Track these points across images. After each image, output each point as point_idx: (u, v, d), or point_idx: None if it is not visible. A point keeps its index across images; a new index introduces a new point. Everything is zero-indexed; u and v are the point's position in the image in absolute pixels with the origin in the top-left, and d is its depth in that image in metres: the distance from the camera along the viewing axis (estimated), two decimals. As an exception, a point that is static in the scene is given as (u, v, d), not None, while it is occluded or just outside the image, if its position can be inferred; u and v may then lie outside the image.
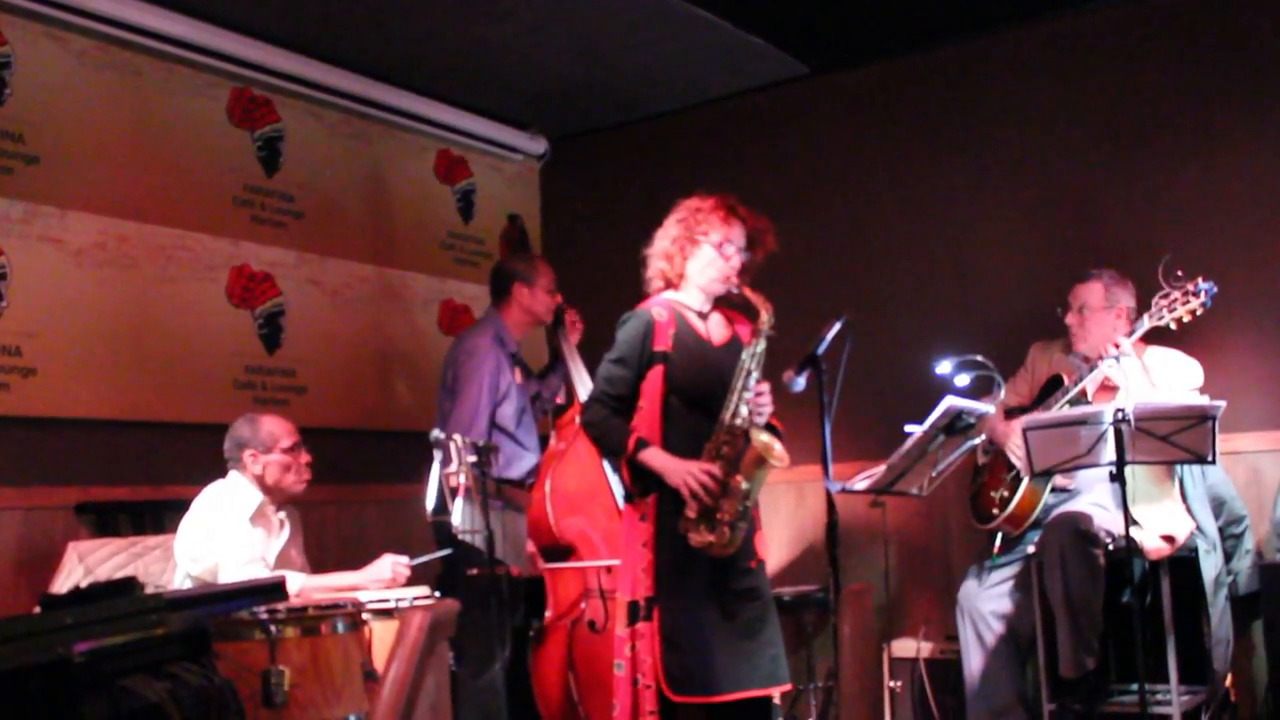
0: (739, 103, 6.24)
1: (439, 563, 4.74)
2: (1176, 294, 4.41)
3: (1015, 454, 4.55)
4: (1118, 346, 4.47)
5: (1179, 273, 4.41)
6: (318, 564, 4.57)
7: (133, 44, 4.92)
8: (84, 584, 3.59)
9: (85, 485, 4.62)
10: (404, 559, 4.29)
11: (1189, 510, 4.59)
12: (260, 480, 4.28)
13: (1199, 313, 4.39)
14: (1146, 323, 4.47)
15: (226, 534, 4.12)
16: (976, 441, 4.46)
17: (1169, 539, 4.41)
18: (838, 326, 3.87)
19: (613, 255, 5.00)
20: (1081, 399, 4.58)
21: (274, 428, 4.33)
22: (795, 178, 6.01)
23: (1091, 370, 4.54)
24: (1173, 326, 4.43)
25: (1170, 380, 4.58)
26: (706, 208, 3.81)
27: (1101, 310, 4.65)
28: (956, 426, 4.19)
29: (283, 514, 4.39)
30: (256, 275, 5.32)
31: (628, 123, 6.55)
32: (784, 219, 3.92)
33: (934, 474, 4.39)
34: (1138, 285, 4.67)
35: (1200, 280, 4.39)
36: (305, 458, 4.38)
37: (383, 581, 4.24)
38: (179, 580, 4.17)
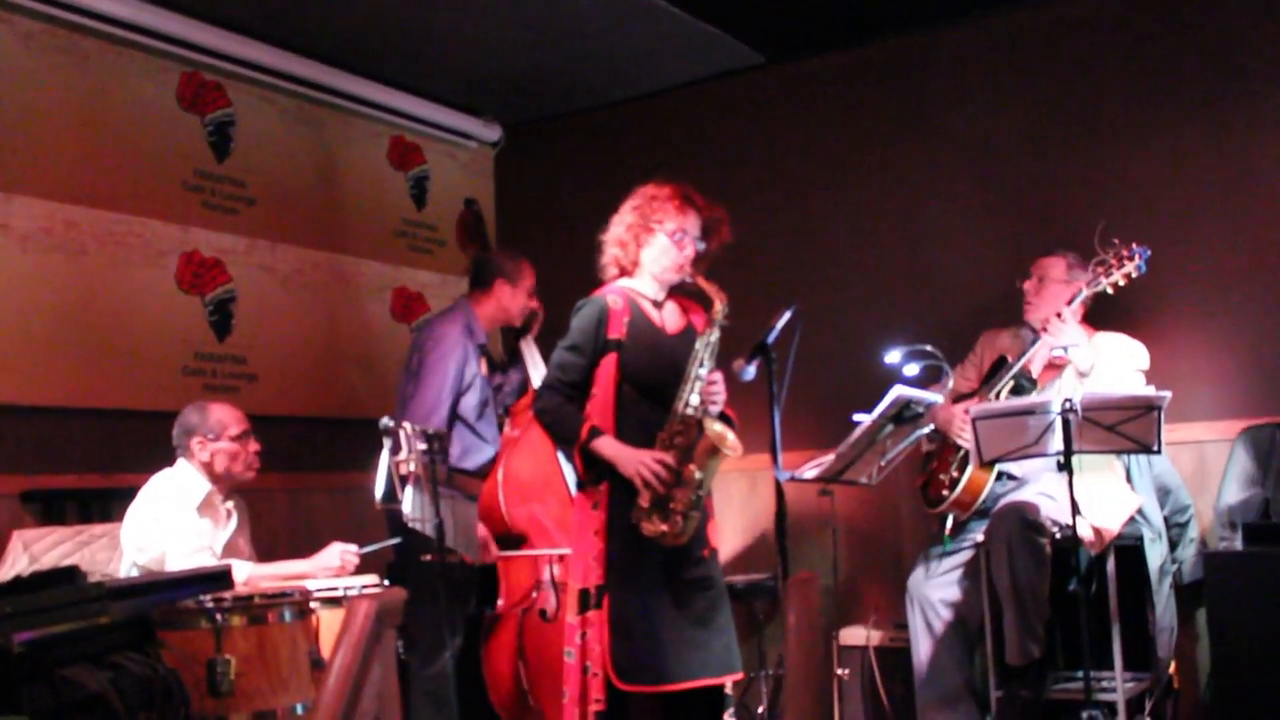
0: (695, 91, 6.24)
1: (389, 550, 4.73)
2: (1111, 259, 4.48)
3: (962, 439, 4.59)
4: (1059, 316, 4.53)
5: (1114, 240, 4.47)
6: (268, 552, 4.55)
7: (81, 26, 4.87)
8: (28, 573, 3.55)
9: (31, 473, 4.58)
10: (352, 547, 4.28)
11: (1134, 490, 4.64)
12: (208, 468, 4.26)
13: (1134, 275, 4.46)
14: (1085, 291, 4.54)
15: (172, 523, 4.10)
16: (925, 431, 4.49)
17: (1098, 531, 4.46)
18: (787, 315, 3.88)
19: (567, 242, 5.01)
20: (1025, 373, 4.63)
21: (222, 415, 4.30)
22: (749, 167, 6.02)
23: (1034, 342, 4.59)
24: (1109, 291, 4.50)
25: (1117, 360, 4.62)
26: (662, 196, 3.81)
27: (1059, 284, 4.71)
28: (905, 416, 4.22)
29: (230, 503, 4.37)
30: (207, 261, 5.28)
31: (582, 110, 6.54)
32: (737, 208, 3.92)
33: (883, 463, 4.42)
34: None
35: (1134, 245, 4.45)
36: (254, 446, 4.36)
37: (331, 570, 4.23)
38: (125, 569, 4.15)
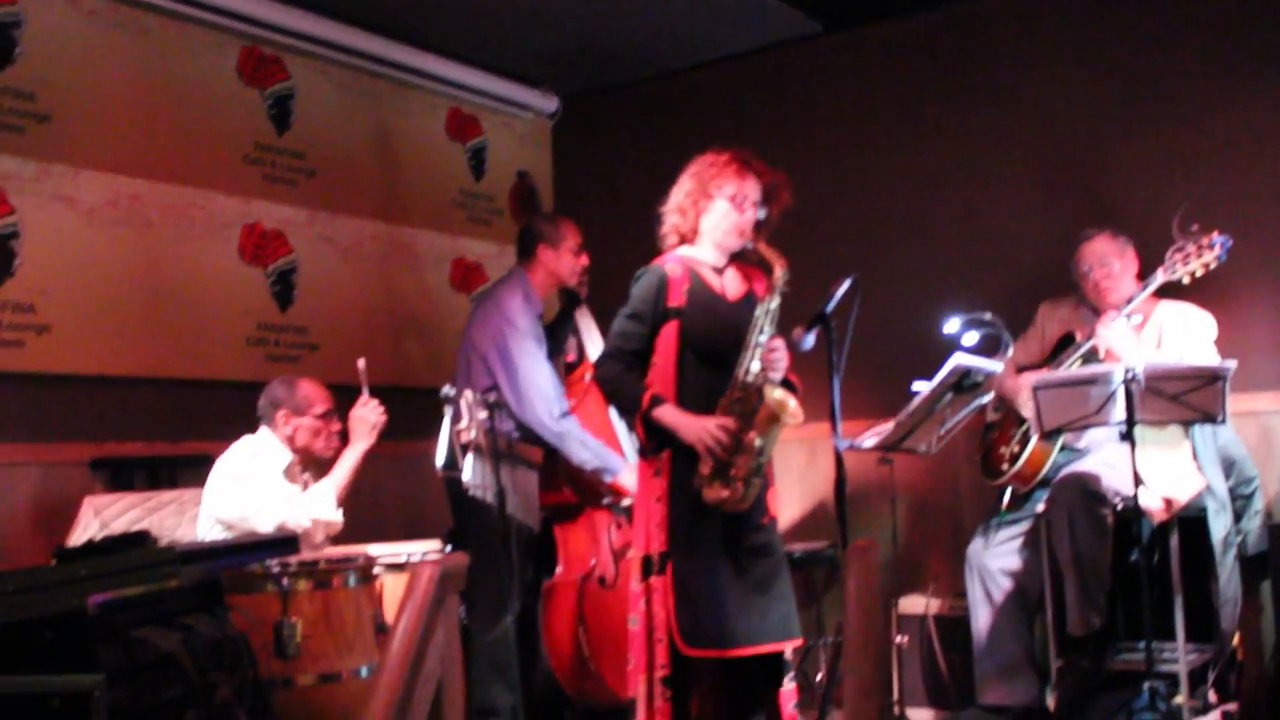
0: (751, 60, 6.21)
1: (450, 518, 4.78)
2: (1191, 247, 4.39)
3: (1026, 409, 4.56)
4: (1108, 318, 4.46)
5: (1194, 226, 4.40)
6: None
7: (143, 3, 4.92)
8: (98, 538, 3.63)
9: (100, 441, 4.66)
10: (370, 403, 4.44)
11: (1200, 470, 4.59)
12: (290, 441, 4.33)
13: (1212, 266, 4.37)
14: (1160, 277, 4.46)
15: (259, 484, 4.17)
16: (984, 400, 4.46)
17: (1168, 501, 4.42)
18: (847, 285, 3.86)
19: (624, 212, 5.00)
20: (1094, 355, 4.58)
21: (310, 392, 4.37)
22: (807, 136, 5.99)
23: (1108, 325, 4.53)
24: (1185, 280, 4.42)
25: (1183, 333, 4.57)
26: (720, 162, 3.79)
27: (1122, 258, 4.64)
28: (964, 385, 4.20)
29: (307, 475, 4.44)
30: (268, 233, 5.34)
31: (640, 80, 6.53)
32: (795, 177, 3.89)
33: (942, 432, 4.41)
34: (1153, 242, 4.66)
35: (1215, 234, 4.37)
36: (336, 425, 4.42)
37: (368, 423, 4.40)
38: (206, 530, 4.22)
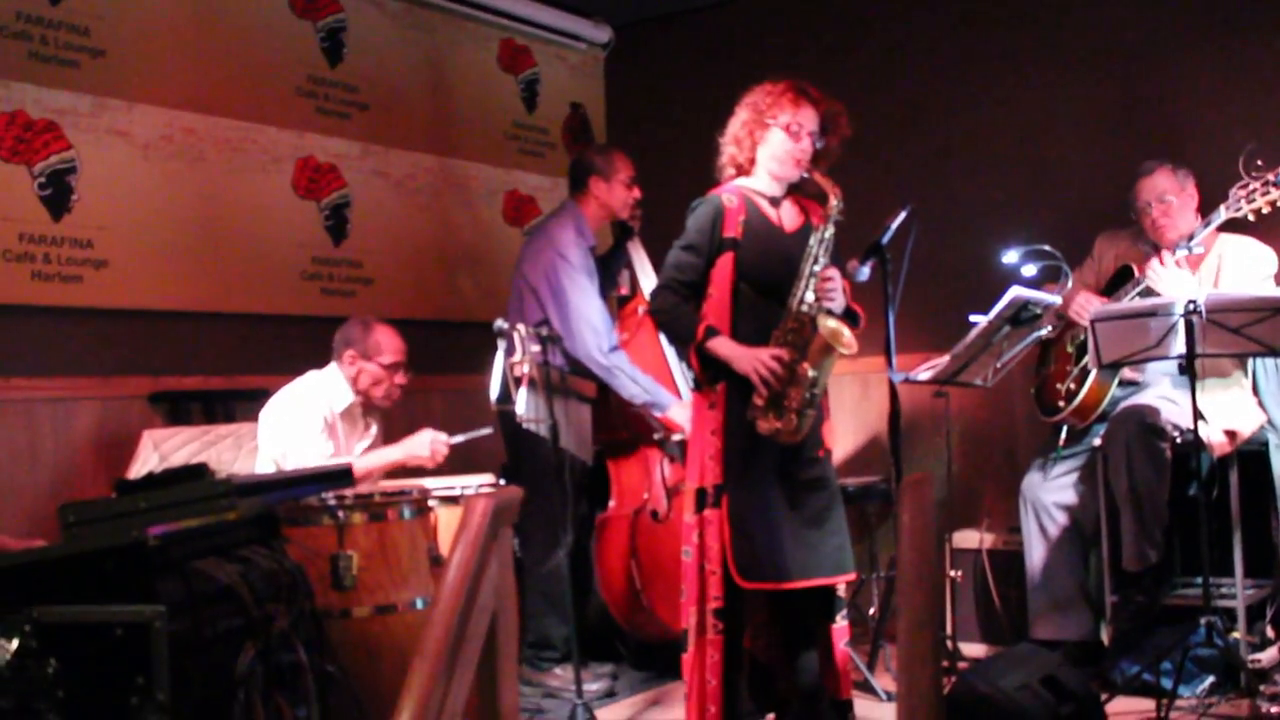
0: (806, -12, 6.13)
1: (503, 451, 4.80)
2: (1256, 184, 4.30)
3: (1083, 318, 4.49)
4: (1161, 262, 4.39)
5: (1259, 162, 4.31)
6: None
7: (194, -65, 4.91)
8: (157, 471, 3.68)
9: (158, 375, 4.71)
10: (443, 436, 4.33)
11: (1260, 404, 4.53)
12: (353, 382, 4.34)
13: (1278, 203, 4.28)
14: (1223, 213, 4.37)
15: (297, 432, 4.19)
16: (1042, 333, 4.40)
17: (1231, 434, 4.36)
18: (903, 216, 3.82)
19: (678, 144, 4.97)
20: (1151, 293, 4.51)
21: (382, 339, 4.37)
22: (863, 65, 5.90)
23: (1168, 260, 4.45)
24: (1250, 218, 4.34)
25: (1244, 267, 4.49)
26: (777, 91, 3.74)
27: (1181, 193, 4.56)
28: (1022, 318, 4.14)
29: (371, 419, 4.46)
30: (322, 167, 5.34)
31: (693, 10, 6.45)
32: (851, 107, 3.84)
33: (998, 365, 4.36)
34: (1212, 175, 4.57)
35: None
36: (401, 379, 4.40)
37: (420, 459, 4.30)
38: (263, 464, 4.26)
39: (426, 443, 4.30)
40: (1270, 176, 4.28)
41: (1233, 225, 4.51)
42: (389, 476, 4.38)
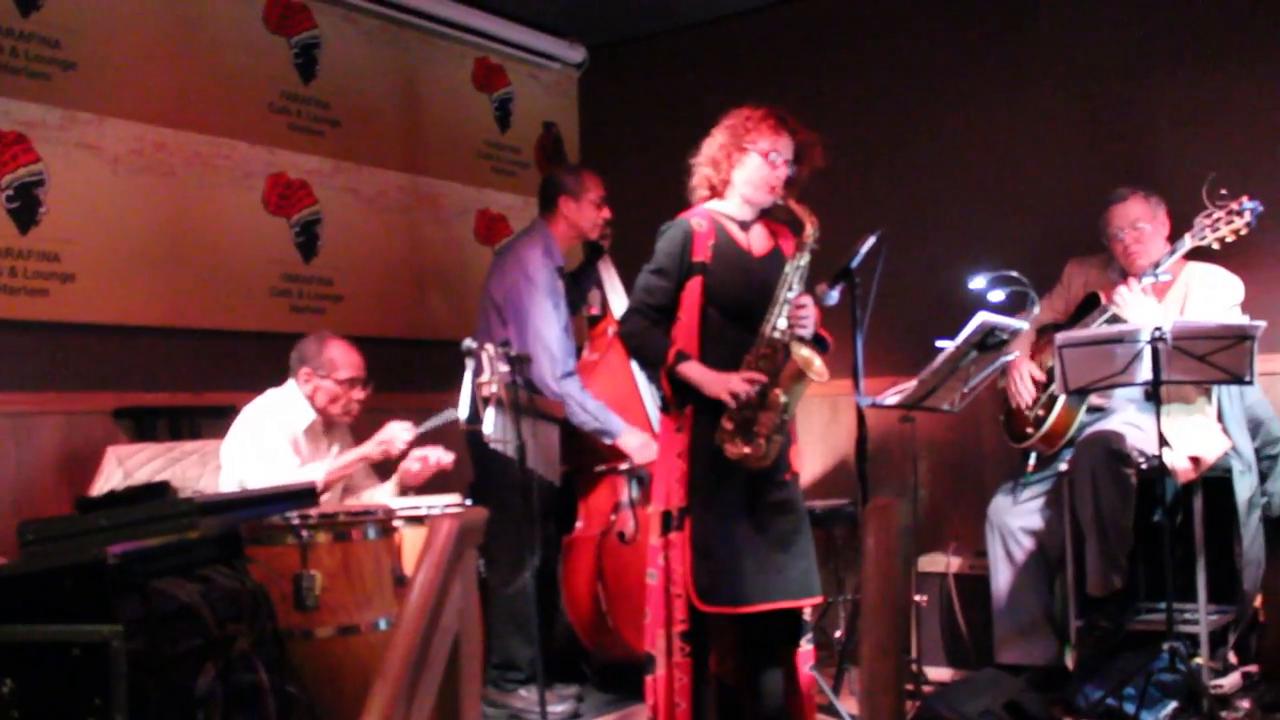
0: (779, 12, 6.15)
1: (470, 471, 4.79)
2: (1220, 213, 4.35)
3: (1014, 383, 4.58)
4: (1127, 286, 4.43)
5: (1223, 191, 4.35)
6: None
7: (168, -50, 4.90)
8: (122, 488, 3.65)
9: (124, 390, 4.67)
10: (408, 424, 4.35)
11: (1225, 430, 4.56)
12: (310, 399, 4.32)
13: (1242, 232, 4.33)
14: (1188, 242, 4.42)
15: (263, 450, 4.17)
16: (1009, 358, 4.43)
17: (1195, 461, 4.39)
18: (872, 240, 3.84)
19: (651, 165, 4.97)
20: (1118, 320, 4.54)
21: (337, 355, 4.35)
22: (834, 89, 5.93)
23: (1134, 289, 4.48)
24: (1215, 246, 4.38)
25: (1210, 296, 4.52)
26: (756, 116, 3.77)
27: (1153, 221, 4.60)
28: (989, 343, 4.16)
29: (333, 437, 4.44)
30: (293, 183, 5.32)
31: (667, 31, 6.47)
32: (821, 131, 3.86)
33: (966, 390, 4.37)
34: (1181, 203, 4.61)
35: (1245, 199, 4.33)
36: (359, 394, 4.39)
37: (384, 444, 4.30)
38: (227, 482, 4.23)
39: (397, 433, 4.32)
40: (1234, 205, 4.33)
41: (1201, 254, 4.55)
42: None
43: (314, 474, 4.22)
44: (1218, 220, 4.35)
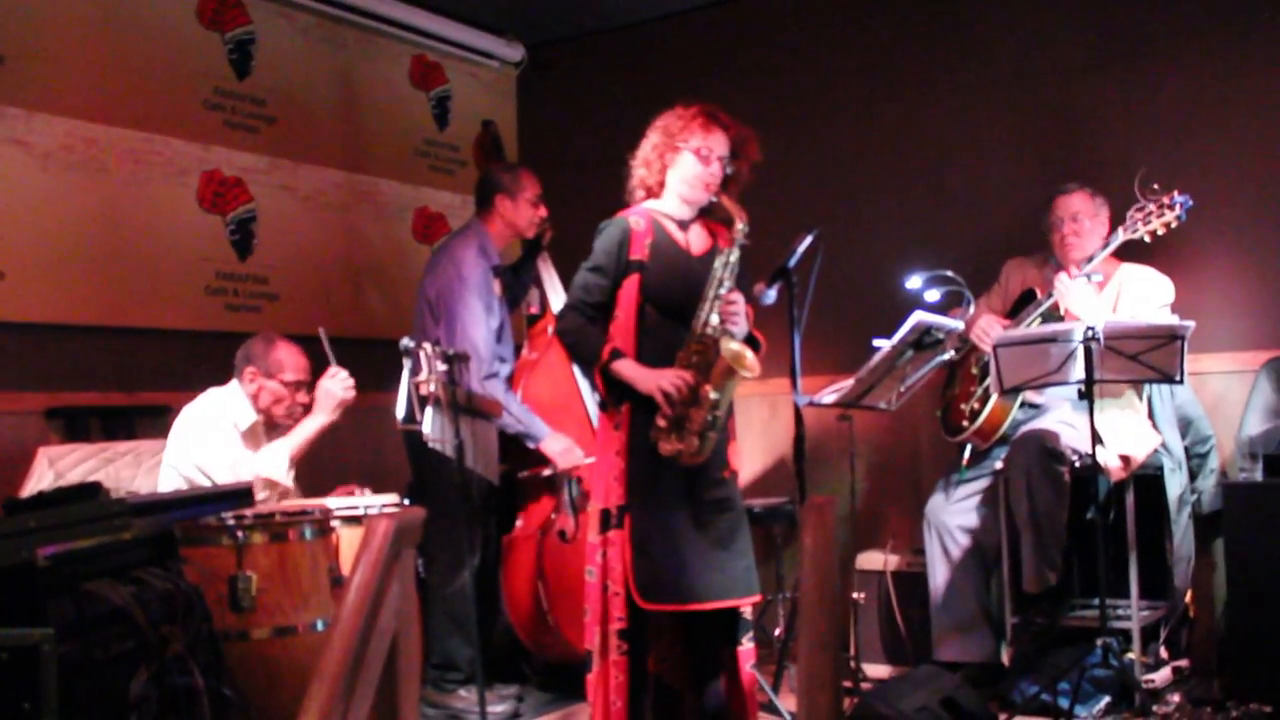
0: (719, 12, 6.17)
1: (409, 471, 4.76)
2: (1151, 206, 4.42)
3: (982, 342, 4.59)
4: (1069, 275, 4.49)
5: (1155, 185, 4.42)
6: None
7: (100, -57, 4.82)
8: (50, 489, 3.59)
9: (55, 390, 4.60)
10: (343, 372, 4.33)
11: (1156, 428, 4.63)
12: (254, 400, 4.28)
13: (1173, 225, 4.40)
14: (1120, 235, 4.49)
15: (214, 440, 4.13)
16: (945, 357, 4.47)
17: (1126, 459, 4.46)
18: (809, 239, 3.85)
19: (590, 163, 4.97)
20: (1054, 312, 4.60)
21: (283, 356, 4.31)
22: (773, 89, 5.96)
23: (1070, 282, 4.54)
24: (1146, 239, 4.45)
25: (1142, 296, 4.59)
26: (688, 115, 3.78)
27: (1094, 218, 4.66)
28: (925, 342, 4.20)
29: (274, 436, 4.40)
30: (228, 180, 5.27)
31: (605, 30, 6.47)
32: (761, 130, 3.88)
33: (902, 389, 4.41)
34: (1114, 202, 4.68)
35: (1175, 193, 4.40)
36: (303, 398, 4.35)
37: (336, 401, 4.28)
38: (167, 480, 4.18)
39: (335, 389, 4.29)
40: (1165, 199, 4.39)
41: (1133, 254, 4.61)
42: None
43: (277, 451, 4.18)
44: (1149, 213, 4.42)
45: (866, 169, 5.76)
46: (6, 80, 4.50)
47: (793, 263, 3.82)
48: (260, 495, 4.09)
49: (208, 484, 4.08)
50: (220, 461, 4.11)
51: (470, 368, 4.59)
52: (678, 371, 3.63)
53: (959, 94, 5.55)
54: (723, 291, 3.69)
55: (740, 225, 3.72)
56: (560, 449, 4.68)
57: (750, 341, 3.80)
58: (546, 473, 4.75)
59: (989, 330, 4.62)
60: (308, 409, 4.35)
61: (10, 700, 2.43)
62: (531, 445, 4.69)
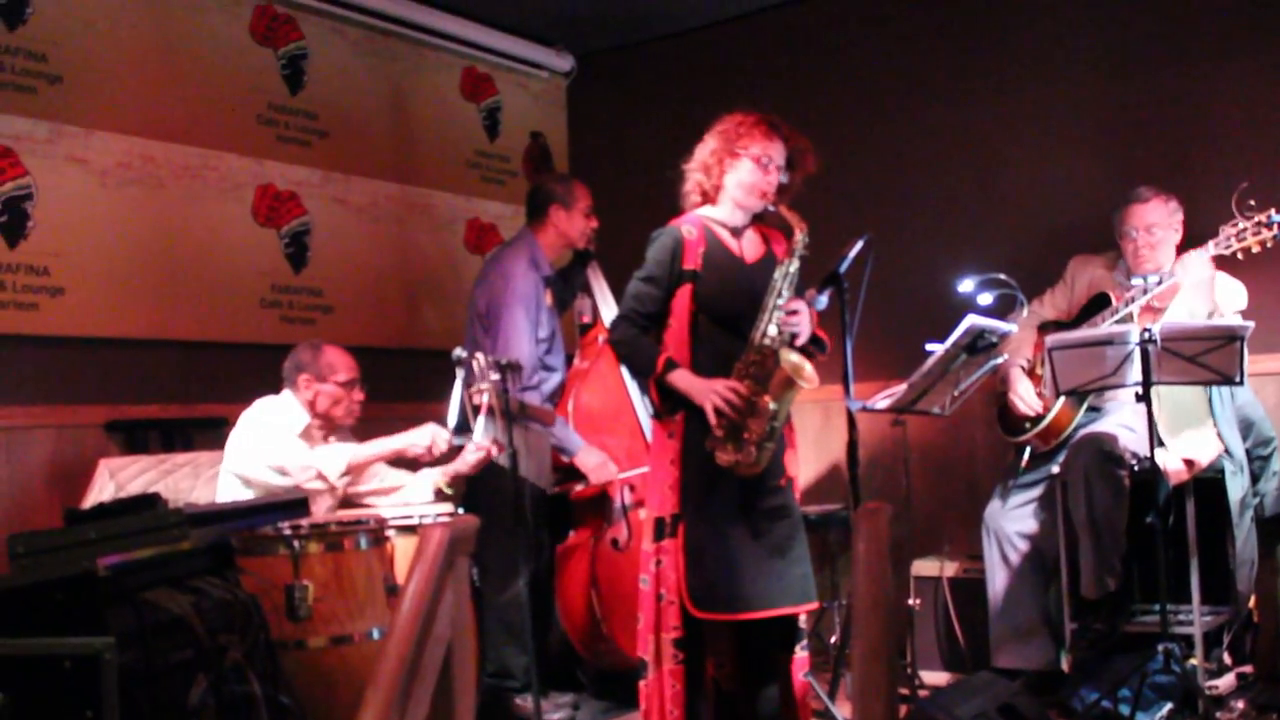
0: (766, 18, 6.16)
1: (464, 481, 4.79)
2: (1248, 225, 4.34)
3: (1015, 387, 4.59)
4: (1195, 259, 4.43)
5: (1251, 202, 4.35)
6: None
7: (154, -39, 4.90)
8: (111, 500, 3.64)
9: (115, 403, 4.67)
10: (445, 430, 4.32)
11: (1218, 432, 4.56)
12: (310, 406, 4.33)
13: (1269, 245, 4.33)
14: (1211, 249, 4.41)
15: (272, 435, 4.18)
16: (999, 361, 4.44)
17: (1189, 463, 4.40)
18: (860, 245, 3.84)
19: (639, 173, 4.97)
20: (1129, 321, 4.54)
21: (334, 359, 4.37)
22: (822, 94, 5.94)
23: (1147, 291, 4.47)
24: (1239, 257, 4.38)
25: (1219, 300, 4.53)
26: (749, 122, 3.76)
27: (1169, 227, 4.60)
28: (978, 346, 4.16)
29: (333, 438, 4.44)
30: (282, 194, 5.32)
31: (654, 39, 6.48)
32: (810, 136, 3.87)
33: (956, 393, 4.37)
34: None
35: (1274, 211, 4.32)
36: (359, 395, 4.42)
37: (420, 447, 4.29)
38: (225, 486, 4.22)
39: (428, 433, 4.30)
40: (1261, 217, 4.32)
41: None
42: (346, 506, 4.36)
43: (338, 453, 4.22)
44: (1244, 231, 4.34)
45: (916, 173, 5.72)
46: (65, 99, 4.57)
47: (844, 268, 3.81)
48: (309, 485, 4.12)
49: (273, 478, 4.12)
50: (276, 452, 4.14)
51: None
52: (730, 383, 3.61)
53: (1009, 96, 5.51)
54: (781, 302, 3.67)
55: (800, 235, 3.71)
56: (595, 463, 4.69)
57: (816, 343, 3.79)
58: (580, 487, 4.76)
59: (1026, 399, 4.62)
60: (363, 405, 4.41)
61: (73, 708, 2.47)
62: (566, 459, 4.70)
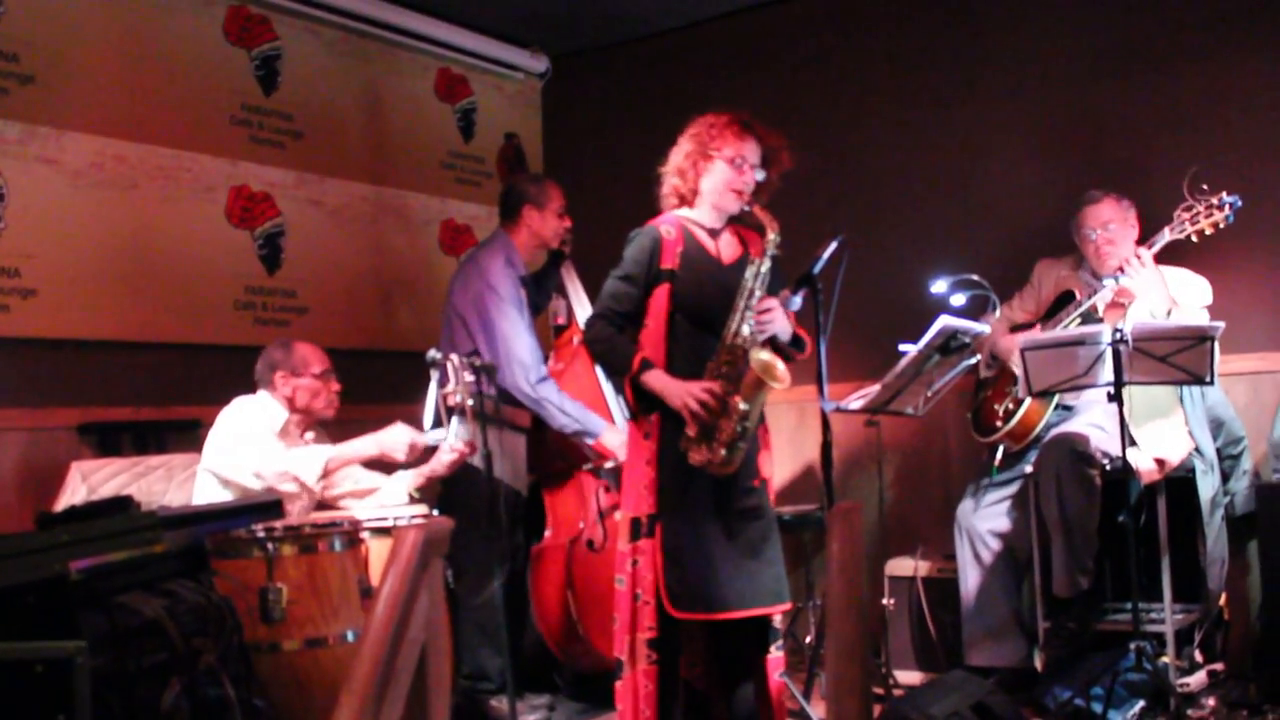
0: (742, 20, 6.17)
1: (438, 481, 4.78)
2: (1200, 207, 4.39)
3: (1019, 368, 4.56)
4: (1139, 258, 4.46)
5: (1204, 187, 4.39)
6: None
7: (126, -39, 4.87)
8: (83, 503, 3.62)
9: (87, 406, 4.64)
10: (414, 432, 4.31)
11: (1189, 431, 4.59)
12: (290, 402, 4.33)
13: (1221, 226, 4.37)
14: (1167, 235, 4.47)
15: (248, 434, 4.16)
16: (972, 361, 4.46)
17: (1160, 462, 4.43)
18: (834, 246, 3.85)
19: (615, 174, 4.98)
20: (1093, 314, 4.58)
21: (306, 353, 4.38)
22: (796, 95, 5.95)
23: (1104, 286, 4.52)
24: (1193, 239, 4.42)
25: (1181, 298, 4.56)
26: (720, 123, 3.77)
27: (1124, 223, 4.64)
28: (951, 346, 4.19)
29: (310, 434, 4.43)
30: (256, 195, 5.31)
31: (629, 41, 6.49)
32: (786, 137, 3.88)
33: (929, 393, 4.40)
34: (1145, 202, 4.66)
35: (1225, 194, 4.37)
36: (335, 385, 4.43)
37: (400, 453, 4.28)
38: (202, 486, 4.21)
39: (402, 440, 4.28)
40: (1214, 199, 4.36)
41: (1169, 257, 4.58)
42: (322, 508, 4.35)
43: (313, 455, 4.21)
44: (1197, 214, 4.39)
45: (890, 175, 5.75)
46: (36, 99, 4.54)
47: (818, 269, 3.83)
48: (283, 487, 4.11)
49: (251, 482, 4.12)
50: (252, 453, 4.13)
51: (517, 375, 4.62)
52: (706, 384, 3.62)
53: (982, 100, 5.54)
54: (753, 302, 3.68)
55: (772, 235, 3.72)
56: (619, 442, 4.67)
57: (795, 342, 3.80)
58: (609, 465, 4.73)
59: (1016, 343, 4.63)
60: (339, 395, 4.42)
61: (45, 712, 2.45)
62: (589, 442, 4.68)
